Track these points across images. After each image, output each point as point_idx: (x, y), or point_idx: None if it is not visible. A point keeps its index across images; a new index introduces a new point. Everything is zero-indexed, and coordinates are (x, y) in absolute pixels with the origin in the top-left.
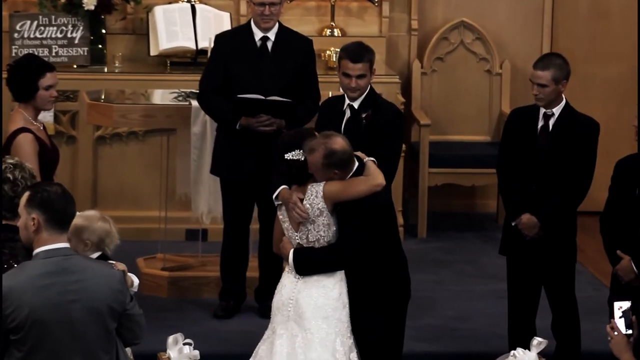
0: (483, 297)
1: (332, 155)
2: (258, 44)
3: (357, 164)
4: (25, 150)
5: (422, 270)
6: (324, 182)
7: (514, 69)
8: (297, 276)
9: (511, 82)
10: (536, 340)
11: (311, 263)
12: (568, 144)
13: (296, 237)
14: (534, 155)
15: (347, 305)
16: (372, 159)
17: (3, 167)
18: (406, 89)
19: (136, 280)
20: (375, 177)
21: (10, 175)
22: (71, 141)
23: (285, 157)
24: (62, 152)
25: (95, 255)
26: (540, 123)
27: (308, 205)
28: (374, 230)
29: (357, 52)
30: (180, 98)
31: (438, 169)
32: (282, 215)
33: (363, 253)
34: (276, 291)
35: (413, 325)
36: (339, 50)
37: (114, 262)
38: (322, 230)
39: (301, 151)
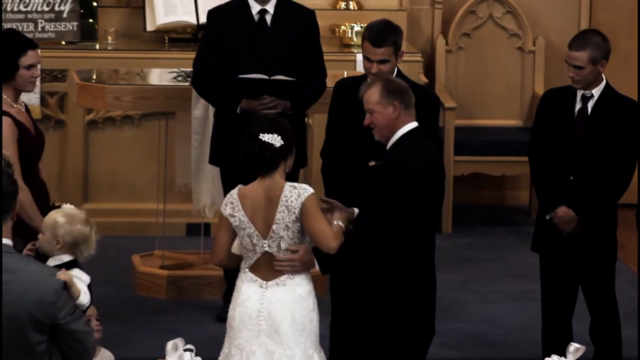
0: (514, 298)
1: (390, 82)
2: (256, 18)
3: (415, 124)
4: (2, 135)
5: (447, 269)
6: (310, 193)
7: (549, 45)
8: (264, 284)
9: (545, 60)
10: (573, 346)
11: (348, 249)
12: (608, 129)
13: (264, 245)
14: (571, 141)
15: (318, 315)
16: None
17: None
18: (429, 68)
19: (85, 297)
20: (332, 238)
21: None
22: (59, 126)
23: (260, 137)
24: (49, 138)
25: (65, 258)
26: (578, 105)
27: (284, 207)
28: (410, 201)
29: (379, 34)
30: (180, 78)
31: (464, 157)
32: (237, 218)
33: (402, 229)
34: (236, 303)
35: (436, 329)
36: (354, 25)
37: (64, 270)
38: (296, 237)
39: (280, 137)
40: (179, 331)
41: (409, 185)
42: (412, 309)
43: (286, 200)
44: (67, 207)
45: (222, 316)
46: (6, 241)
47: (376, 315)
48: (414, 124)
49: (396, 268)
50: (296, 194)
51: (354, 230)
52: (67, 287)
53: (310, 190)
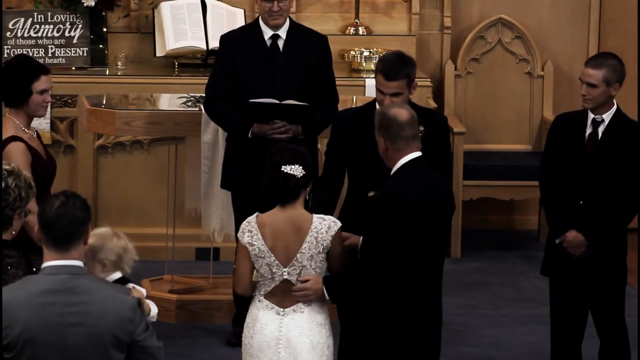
0: (523, 322)
1: (381, 115)
2: (268, 43)
3: (415, 155)
4: (16, 160)
5: (456, 293)
6: (339, 225)
7: (558, 70)
8: (281, 312)
9: (554, 85)
10: None
11: (356, 282)
12: (618, 153)
13: (284, 273)
14: (581, 165)
15: (333, 341)
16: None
17: None
18: (438, 92)
19: (154, 309)
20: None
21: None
22: (69, 151)
23: (282, 169)
24: (59, 162)
25: (115, 276)
26: (589, 130)
27: (312, 239)
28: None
29: (392, 67)
30: (190, 103)
31: (473, 182)
32: (256, 247)
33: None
34: (254, 331)
35: (446, 353)
36: (363, 50)
37: (133, 285)
38: (318, 267)
39: (301, 167)
40: (189, 355)
41: (404, 216)
42: (414, 339)
43: (316, 232)
44: (93, 231)
45: (231, 340)
46: (78, 263)
47: (381, 344)
48: (413, 155)
49: (399, 297)
50: (326, 226)
51: (362, 263)
52: (140, 304)
53: (339, 223)
